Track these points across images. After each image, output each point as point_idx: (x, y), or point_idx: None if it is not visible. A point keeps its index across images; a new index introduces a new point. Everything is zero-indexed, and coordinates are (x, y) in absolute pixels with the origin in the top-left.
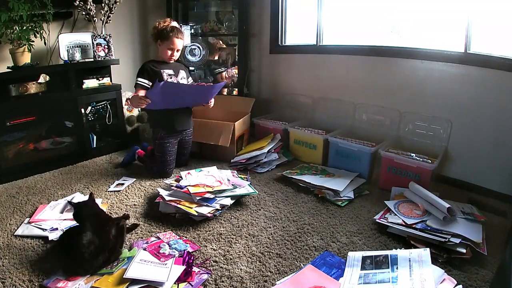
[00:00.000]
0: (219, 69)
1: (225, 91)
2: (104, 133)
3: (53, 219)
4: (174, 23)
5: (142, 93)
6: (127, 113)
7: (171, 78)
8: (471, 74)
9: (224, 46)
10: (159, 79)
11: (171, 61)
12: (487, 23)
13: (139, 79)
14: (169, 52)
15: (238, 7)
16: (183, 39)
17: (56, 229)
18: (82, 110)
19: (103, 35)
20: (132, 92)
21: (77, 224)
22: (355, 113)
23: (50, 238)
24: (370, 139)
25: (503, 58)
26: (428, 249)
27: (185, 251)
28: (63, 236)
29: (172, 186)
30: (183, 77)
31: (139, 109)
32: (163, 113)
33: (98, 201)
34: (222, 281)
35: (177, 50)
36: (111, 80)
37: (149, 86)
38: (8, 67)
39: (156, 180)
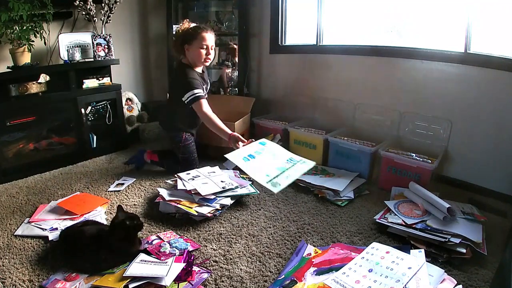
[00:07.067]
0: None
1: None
2: (104, 133)
3: (53, 219)
4: None
5: (205, 103)
6: (127, 113)
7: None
8: (471, 74)
9: (234, 45)
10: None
11: (207, 63)
12: (487, 23)
13: (197, 90)
14: (204, 52)
15: (238, 7)
16: (213, 34)
17: (56, 229)
18: (82, 110)
19: (103, 35)
20: (133, 93)
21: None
22: (355, 113)
23: (50, 238)
24: (370, 139)
25: (503, 58)
26: (423, 250)
27: (186, 250)
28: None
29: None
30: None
31: (139, 109)
32: (191, 116)
33: None
34: (222, 281)
35: (211, 47)
36: (111, 80)
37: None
38: (8, 67)
39: (156, 180)
